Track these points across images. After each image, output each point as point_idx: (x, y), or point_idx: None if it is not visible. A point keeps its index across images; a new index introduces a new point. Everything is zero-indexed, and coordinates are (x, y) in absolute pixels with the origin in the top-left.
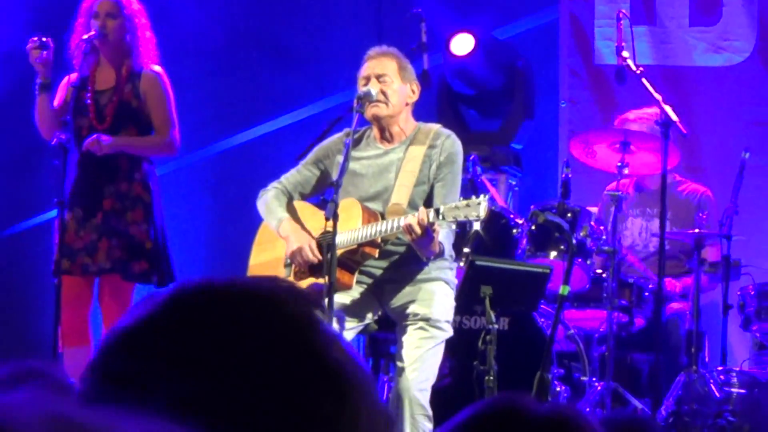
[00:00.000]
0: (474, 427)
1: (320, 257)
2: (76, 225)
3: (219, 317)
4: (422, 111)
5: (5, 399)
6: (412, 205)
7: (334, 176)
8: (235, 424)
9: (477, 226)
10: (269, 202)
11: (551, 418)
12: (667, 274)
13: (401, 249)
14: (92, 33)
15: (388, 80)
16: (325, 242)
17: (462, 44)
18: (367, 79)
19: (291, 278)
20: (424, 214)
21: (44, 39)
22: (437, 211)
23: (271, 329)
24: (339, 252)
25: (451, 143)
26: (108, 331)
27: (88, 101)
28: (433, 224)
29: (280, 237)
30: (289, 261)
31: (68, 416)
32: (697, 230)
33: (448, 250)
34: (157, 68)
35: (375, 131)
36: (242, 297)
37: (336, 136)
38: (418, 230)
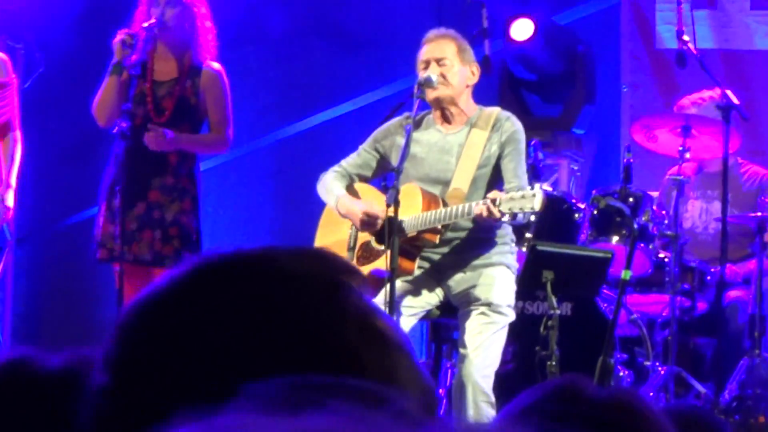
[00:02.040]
0: (536, 408)
1: (385, 210)
2: (114, 213)
3: (249, 288)
4: (484, 96)
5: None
6: (473, 189)
7: (393, 159)
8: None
9: (532, 218)
10: (328, 183)
11: (612, 400)
12: (729, 259)
13: (462, 234)
14: (152, 21)
15: (448, 63)
16: (387, 228)
17: (522, 29)
18: (427, 63)
19: (354, 262)
20: (488, 208)
21: (133, 33)
22: (494, 202)
23: (308, 296)
24: (400, 239)
25: (511, 124)
26: (131, 304)
27: (146, 91)
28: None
29: (339, 215)
30: (352, 244)
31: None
32: (759, 213)
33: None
34: (217, 66)
35: (436, 113)
36: (275, 267)
37: (396, 120)
38: (488, 218)
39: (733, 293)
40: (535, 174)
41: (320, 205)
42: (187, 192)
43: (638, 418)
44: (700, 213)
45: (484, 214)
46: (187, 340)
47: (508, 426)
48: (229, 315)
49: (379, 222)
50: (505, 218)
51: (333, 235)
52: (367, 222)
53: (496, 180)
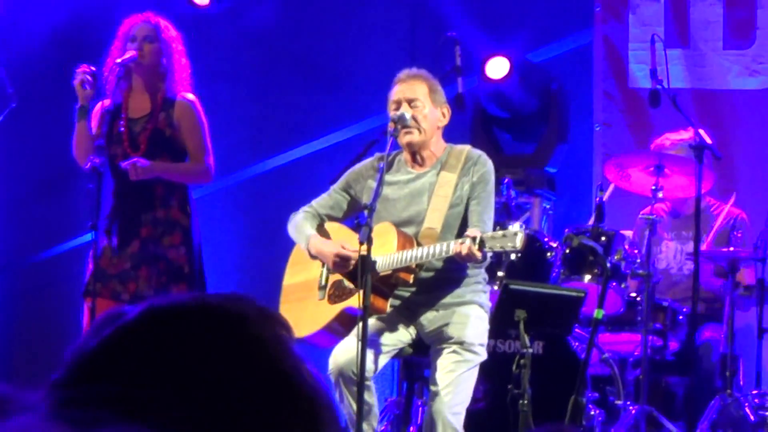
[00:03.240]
0: None
1: (356, 253)
2: (110, 252)
3: (186, 338)
4: (456, 134)
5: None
6: (446, 229)
7: (365, 200)
8: None
9: (513, 257)
10: (299, 223)
11: None
12: (702, 298)
13: (434, 273)
14: (127, 56)
15: (419, 105)
16: (360, 266)
17: (497, 68)
18: (398, 104)
19: (325, 301)
20: (473, 248)
21: (92, 68)
22: (474, 240)
23: (240, 350)
24: (373, 277)
25: (482, 164)
26: (75, 349)
27: (122, 129)
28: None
29: (310, 255)
30: (324, 282)
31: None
32: (732, 248)
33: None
34: (191, 96)
35: (406, 155)
36: (211, 317)
37: (367, 161)
38: (465, 257)
39: (706, 333)
40: (508, 212)
41: (291, 242)
42: (177, 224)
43: None
44: (674, 254)
45: (464, 252)
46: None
47: None
48: (166, 371)
49: (352, 263)
50: (485, 257)
51: (303, 273)
52: (340, 264)
53: (467, 216)
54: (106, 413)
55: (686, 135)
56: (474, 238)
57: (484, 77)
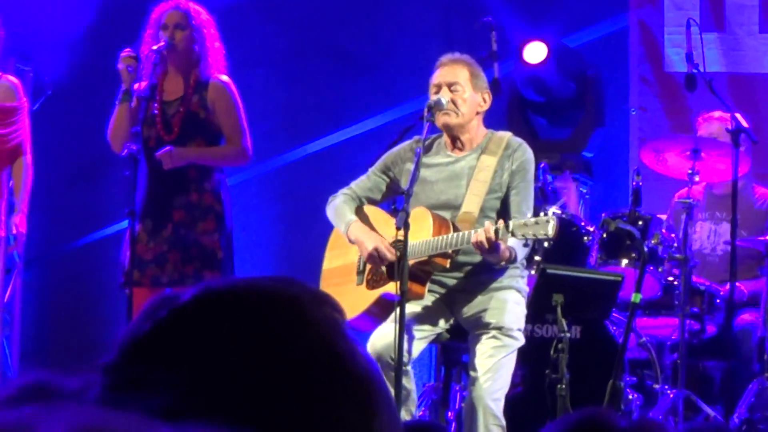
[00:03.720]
0: None
1: (395, 254)
2: (146, 236)
3: (242, 321)
4: (492, 119)
5: (31, 411)
6: (484, 214)
7: (403, 183)
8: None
9: (546, 244)
10: (338, 206)
11: (636, 431)
12: (737, 279)
13: (473, 259)
14: (161, 44)
15: (459, 89)
16: (397, 251)
17: (535, 52)
18: (439, 87)
19: (363, 286)
20: (491, 231)
21: (135, 53)
22: (507, 227)
23: (296, 333)
24: (410, 262)
25: (522, 152)
26: (127, 332)
27: (156, 112)
28: (500, 239)
29: (349, 240)
30: (362, 267)
31: (98, 425)
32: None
33: (522, 255)
34: (225, 77)
35: (446, 139)
36: (266, 300)
37: (406, 143)
38: (486, 245)
39: (744, 317)
40: (544, 197)
41: (328, 228)
42: (211, 209)
43: None
44: (708, 234)
45: (486, 236)
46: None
47: None
48: (221, 357)
49: (386, 262)
50: (514, 258)
51: (341, 257)
52: (376, 259)
53: (506, 205)
54: (166, 397)
55: (719, 116)
56: (507, 226)
57: (522, 62)
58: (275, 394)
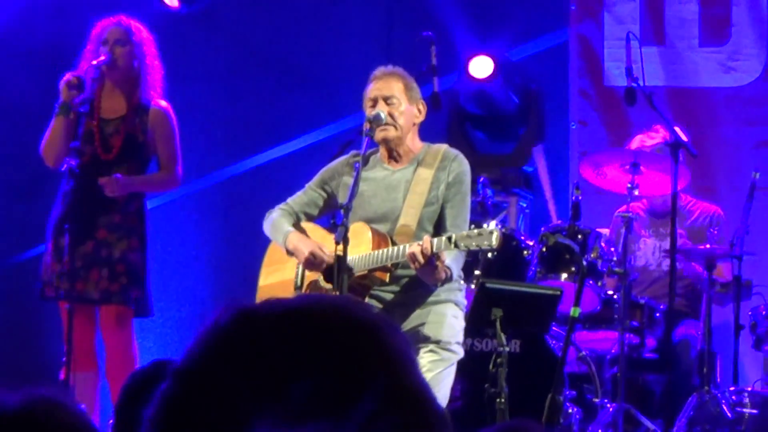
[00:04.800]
0: None
1: (332, 256)
2: (61, 251)
3: (300, 342)
4: (432, 133)
5: None
6: (421, 227)
7: (341, 198)
8: None
9: (489, 255)
10: (275, 220)
11: None
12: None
13: (410, 272)
14: (102, 58)
15: (395, 102)
16: (336, 266)
17: (481, 67)
18: (374, 101)
19: None
20: (427, 243)
21: (79, 76)
22: (450, 239)
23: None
24: (349, 277)
25: (458, 164)
26: (176, 368)
27: (94, 129)
28: (436, 253)
29: (287, 251)
30: (299, 282)
31: None
32: (708, 246)
33: (457, 273)
34: (164, 103)
35: (382, 152)
36: (337, 320)
37: (343, 158)
38: (421, 259)
39: (682, 329)
40: (484, 211)
41: (268, 244)
42: (135, 230)
43: None
44: (653, 251)
45: (421, 249)
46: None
47: None
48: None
49: (324, 265)
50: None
51: (279, 273)
52: (312, 262)
53: (442, 218)
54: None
55: (659, 137)
56: (450, 237)
57: (468, 76)
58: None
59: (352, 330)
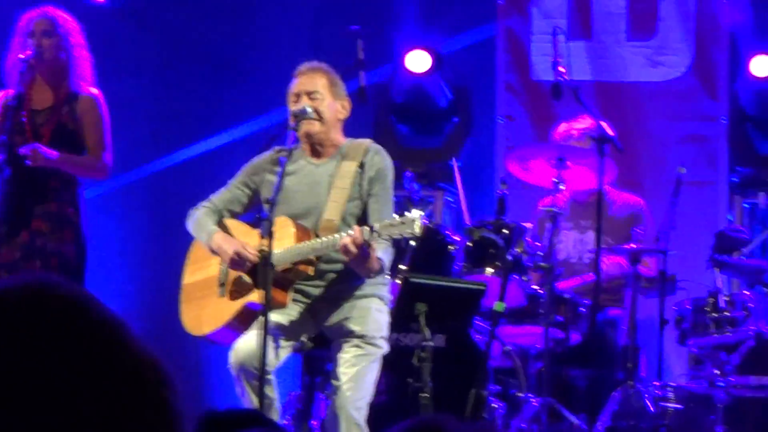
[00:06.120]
0: None
1: (257, 255)
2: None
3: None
4: (360, 127)
5: None
6: (345, 221)
7: (264, 194)
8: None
9: (413, 242)
10: (199, 218)
11: None
12: (604, 288)
13: (335, 267)
14: (28, 52)
15: (319, 97)
16: (261, 260)
17: (419, 61)
18: (298, 96)
19: (226, 297)
20: (358, 232)
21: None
22: (372, 229)
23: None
24: (274, 271)
25: (381, 158)
26: None
27: (24, 119)
28: (368, 242)
29: (211, 251)
30: (224, 279)
31: None
32: (633, 245)
33: (388, 265)
34: (95, 91)
35: (305, 147)
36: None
37: (266, 154)
38: (353, 250)
39: (608, 324)
40: (410, 205)
41: (193, 240)
42: (70, 220)
43: None
44: (574, 243)
45: (353, 239)
46: None
47: None
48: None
49: (249, 264)
50: (381, 244)
51: (202, 271)
52: (237, 262)
53: (366, 212)
54: None
55: (586, 123)
56: (371, 227)
57: (405, 70)
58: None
59: (50, 311)
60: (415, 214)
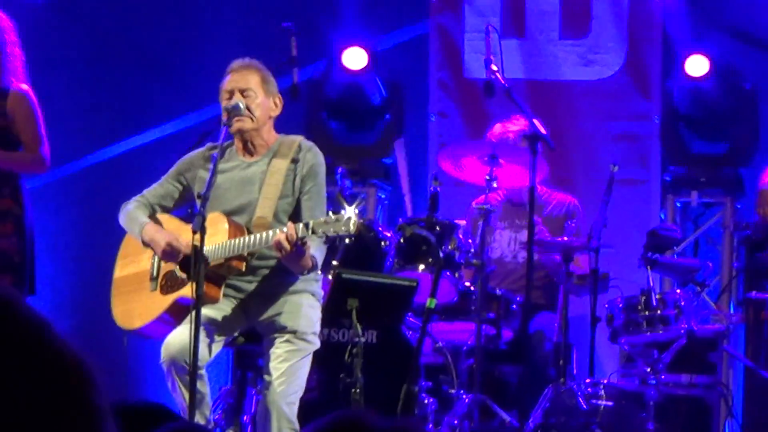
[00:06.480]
0: None
1: (189, 245)
2: None
3: None
4: (292, 124)
5: None
6: (277, 218)
7: (197, 190)
8: None
9: (347, 241)
10: (131, 211)
11: (393, 431)
12: (536, 286)
13: (268, 263)
14: None
15: (251, 94)
16: (192, 255)
17: (355, 58)
18: (231, 93)
19: (158, 291)
20: (292, 229)
21: None
22: (307, 226)
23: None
24: (206, 266)
25: (313, 155)
26: None
27: None
28: (302, 239)
29: (143, 242)
30: (155, 273)
31: None
32: (566, 238)
33: (321, 263)
34: (25, 86)
35: (237, 144)
36: None
37: (198, 151)
38: (287, 246)
39: (538, 321)
40: (342, 201)
41: (125, 234)
42: (9, 213)
43: None
44: (508, 242)
45: (287, 235)
46: None
47: None
48: None
49: (181, 255)
50: (314, 241)
51: (133, 265)
52: (169, 253)
53: (299, 210)
54: None
55: (520, 124)
56: (306, 224)
57: (341, 67)
58: None
59: None
60: (351, 212)
